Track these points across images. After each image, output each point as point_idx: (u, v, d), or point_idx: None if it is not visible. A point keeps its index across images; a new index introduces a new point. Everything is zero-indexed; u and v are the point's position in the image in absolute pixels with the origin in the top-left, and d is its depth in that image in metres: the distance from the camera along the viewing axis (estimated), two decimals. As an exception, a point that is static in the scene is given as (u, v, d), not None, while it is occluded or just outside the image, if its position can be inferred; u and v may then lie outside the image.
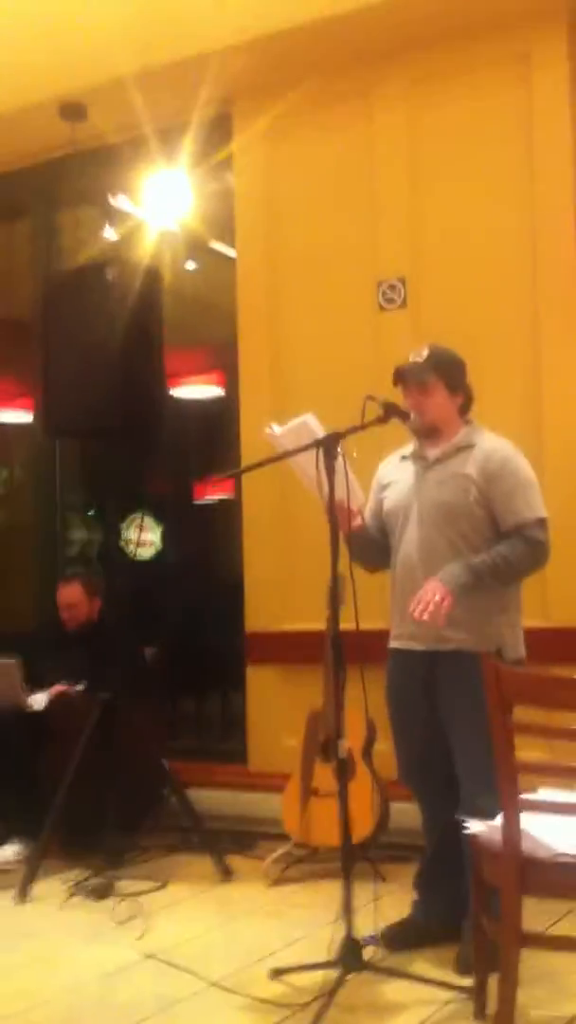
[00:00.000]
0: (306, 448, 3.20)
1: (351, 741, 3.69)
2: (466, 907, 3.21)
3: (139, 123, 5.11)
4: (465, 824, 2.84)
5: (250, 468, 3.58)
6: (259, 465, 3.42)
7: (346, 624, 3.19)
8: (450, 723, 3.31)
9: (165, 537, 5.82)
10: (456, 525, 3.31)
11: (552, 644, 3.97)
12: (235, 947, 3.47)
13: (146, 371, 5.54)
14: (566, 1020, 2.83)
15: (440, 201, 4.65)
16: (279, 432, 3.35)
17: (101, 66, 4.93)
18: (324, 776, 4.15)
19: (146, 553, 5.78)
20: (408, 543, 3.39)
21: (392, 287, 4.69)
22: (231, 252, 5.32)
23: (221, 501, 6.59)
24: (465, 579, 3.21)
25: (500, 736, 2.60)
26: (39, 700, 4.80)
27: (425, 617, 3.16)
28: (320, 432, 3.23)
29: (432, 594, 3.18)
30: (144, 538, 5.74)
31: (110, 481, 5.16)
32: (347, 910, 3.03)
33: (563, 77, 4.41)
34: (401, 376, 3.41)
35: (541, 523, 3.30)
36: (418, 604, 3.19)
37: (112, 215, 5.69)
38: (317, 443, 3.18)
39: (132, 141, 5.39)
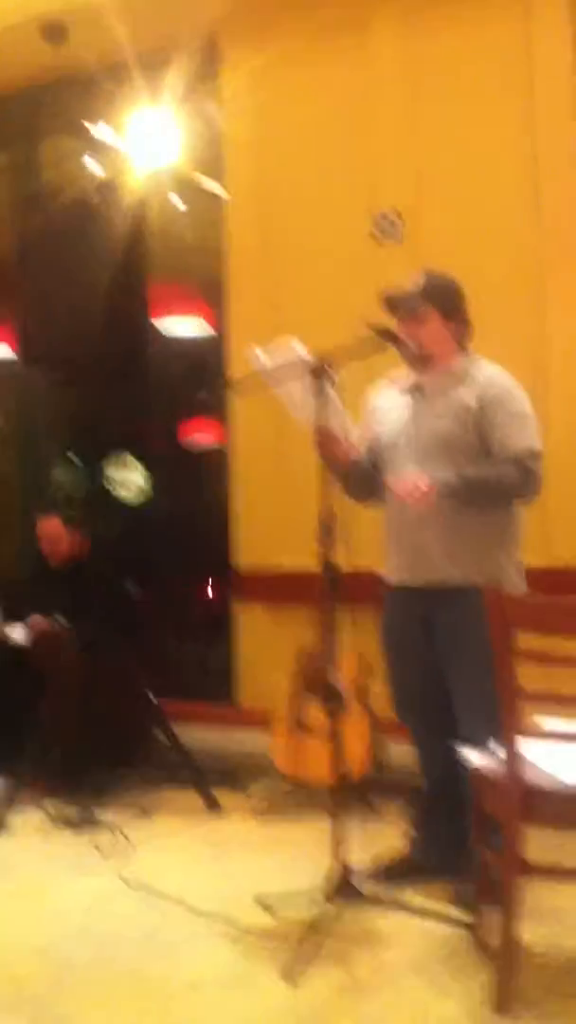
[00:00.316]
0: (298, 373, 3.09)
1: (344, 680, 3.63)
2: (464, 845, 3.17)
3: (122, 49, 4.93)
4: (463, 757, 2.79)
5: (240, 385, 3.47)
6: (246, 384, 3.31)
7: (340, 563, 3.10)
8: (448, 660, 3.24)
9: (151, 479, 5.72)
10: (453, 457, 3.21)
11: (554, 582, 3.90)
12: (224, 879, 3.43)
13: (130, 303, 5.45)
14: (571, 955, 2.79)
15: (438, 133, 4.51)
16: (264, 357, 3.24)
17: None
18: (315, 713, 4.10)
19: (131, 495, 5.68)
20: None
21: (389, 220, 4.56)
22: (219, 189, 5.18)
23: (209, 449, 6.50)
24: (451, 481, 3.11)
25: (503, 663, 2.54)
26: (17, 632, 4.75)
27: (409, 501, 3.08)
28: (306, 356, 3.13)
29: (416, 478, 3.09)
30: (128, 477, 5.64)
31: (95, 422, 5.08)
32: (339, 840, 2.97)
33: (562, 2, 4.27)
34: (391, 304, 3.29)
35: (535, 455, 3.20)
36: (403, 483, 3.11)
37: (95, 147, 5.53)
38: (309, 368, 3.07)
39: (116, 69, 5.21)
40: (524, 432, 3.21)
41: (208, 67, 5.07)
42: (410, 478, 3.10)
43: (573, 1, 4.28)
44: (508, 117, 4.37)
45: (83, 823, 3.96)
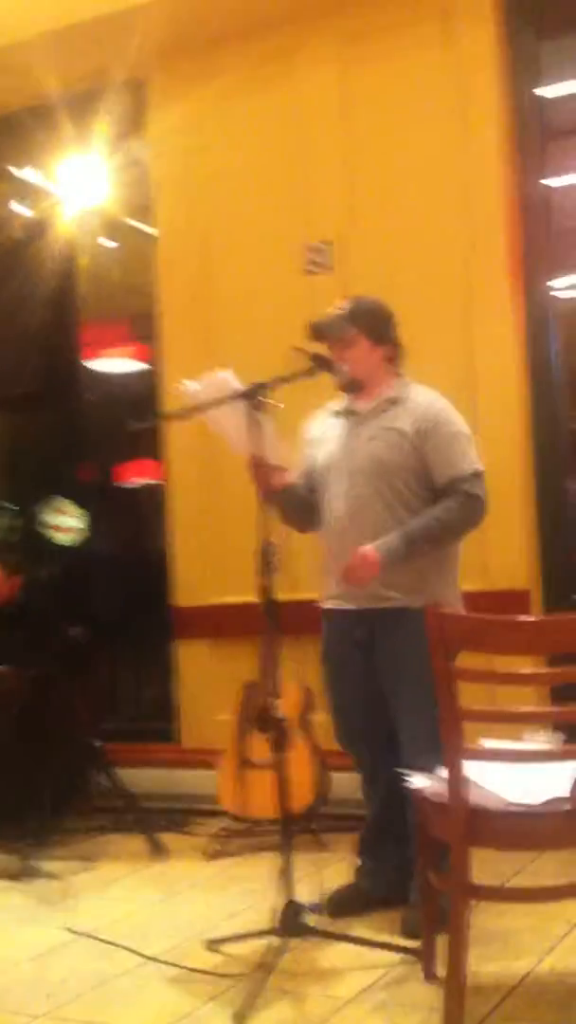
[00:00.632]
0: (230, 399, 3.07)
1: (288, 711, 3.58)
2: (411, 872, 3.14)
3: (48, 90, 4.94)
4: (408, 781, 2.75)
5: (173, 416, 3.46)
6: (182, 414, 3.29)
7: (281, 595, 3.07)
8: (389, 684, 3.22)
9: (88, 521, 5.67)
10: (388, 480, 3.21)
11: (492, 606, 3.88)
12: (172, 922, 3.35)
13: (62, 343, 5.43)
14: (518, 978, 2.75)
15: (370, 163, 4.55)
16: (194, 387, 3.22)
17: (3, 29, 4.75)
18: (260, 747, 4.04)
19: (68, 538, 5.62)
20: (338, 499, 3.29)
21: (319, 251, 4.58)
22: (149, 229, 5.18)
23: (146, 486, 6.46)
24: (398, 548, 3.12)
25: (443, 683, 2.51)
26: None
27: (351, 582, 3.10)
28: (237, 386, 3.11)
29: (361, 563, 3.09)
30: (62, 522, 5.58)
31: (28, 464, 5.03)
32: (287, 874, 2.92)
33: (489, 32, 4.35)
34: (317, 331, 3.29)
35: (477, 476, 3.22)
36: (348, 572, 3.11)
37: (23, 189, 5.53)
38: (242, 393, 3.05)
39: (42, 110, 5.21)
40: (463, 454, 3.21)
41: (135, 106, 5.09)
42: (355, 563, 3.10)
43: (501, 33, 4.37)
44: (439, 146, 4.42)
45: (24, 873, 3.85)
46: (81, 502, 5.18)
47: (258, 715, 4.09)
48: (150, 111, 5.04)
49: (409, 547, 3.13)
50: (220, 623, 4.72)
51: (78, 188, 5.39)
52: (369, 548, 3.11)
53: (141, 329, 5.46)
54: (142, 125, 5.09)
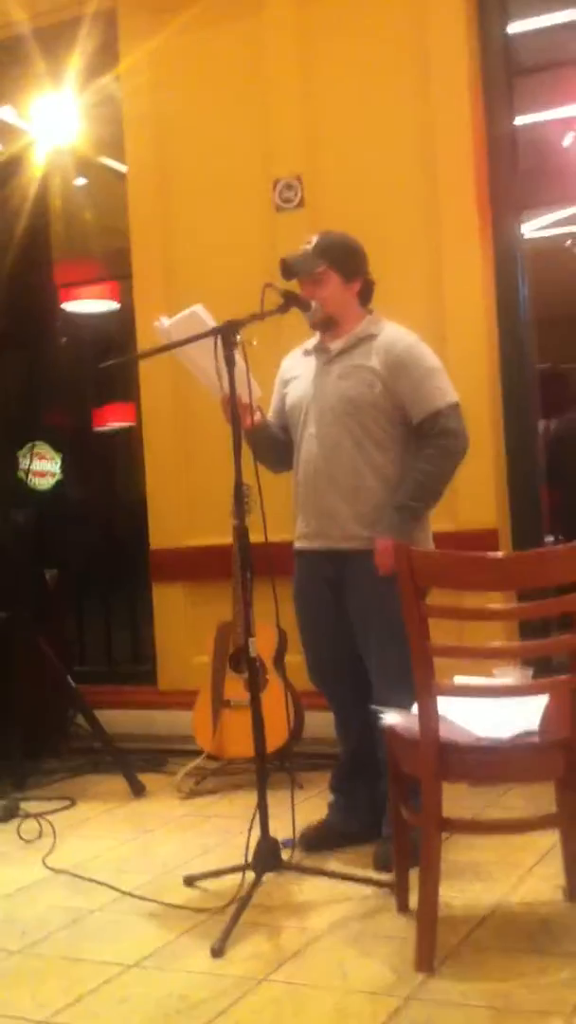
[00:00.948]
0: (203, 336, 3.05)
1: (262, 652, 3.60)
2: (383, 808, 3.18)
3: (18, 24, 4.83)
4: (380, 716, 2.78)
5: (145, 355, 3.43)
6: (153, 352, 3.26)
7: (255, 537, 3.07)
8: (360, 623, 3.23)
9: (65, 466, 5.64)
10: (359, 419, 3.20)
11: (460, 547, 3.91)
12: (149, 859, 3.39)
13: (35, 284, 5.35)
14: (488, 909, 2.80)
15: (335, 99, 4.49)
16: (168, 324, 3.19)
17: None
18: (235, 687, 4.07)
19: (45, 483, 5.60)
20: (310, 439, 3.27)
21: (289, 186, 4.53)
22: (121, 166, 5.10)
23: (121, 429, 6.43)
24: (398, 524, 3.11)
25: (413, 621, 2.53)
26: None
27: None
28: (210, 322, 3.09)
29: (383, 560, 3.06)
30: (39, 467, 5.55)
31: (5, 411, 4.99)
32: (261, 811, 2.95)
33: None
34: (288, 268, 3.25)
35: (454, 408, 3.20)
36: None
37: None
38: (215, 331, 3.03)
39: (12, 45, 5.10)
40: (438, 388, 3.19)
41: (107, 43, 4.99)
42: (382, 556, 3.07)
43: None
44: (405, 83, 4.36)
45: (5, 814, 3.87)
46: (57, 446, 5.16)
47: (233, 656, 4.12)
48: (121, 44, 4.93)
49: (403, 514, 3.12)
50: (196, 565, 4.72)
51: (50, 126, 5.29)
52: (379, 543, 3.09)
53: (115, 268, 5.40)
54: (114, 59, 4.99)
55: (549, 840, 3.10)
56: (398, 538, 2.96)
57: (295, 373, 3.39)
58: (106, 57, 5.00)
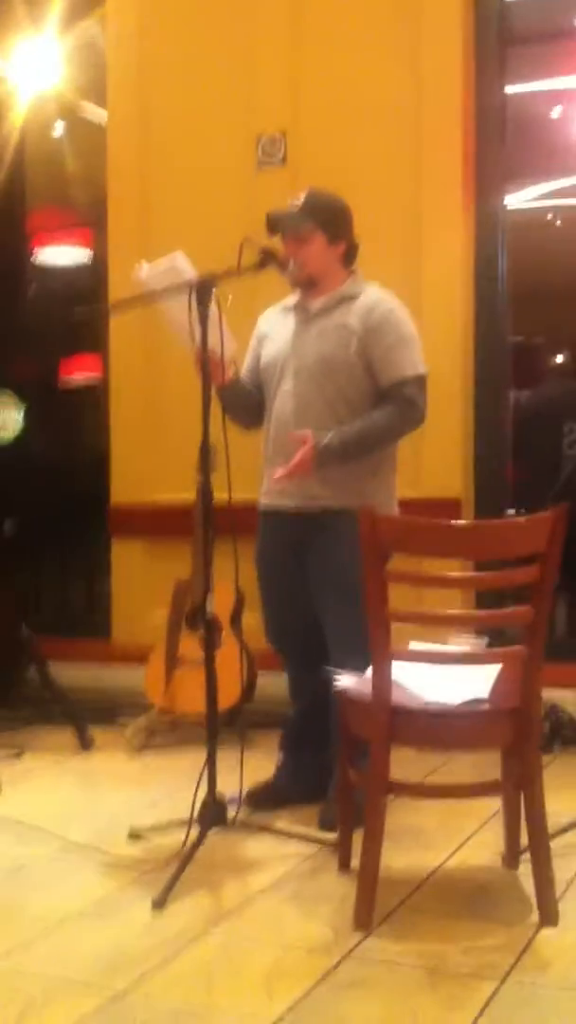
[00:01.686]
0: (178, 289, 3.01)
1: (219, 610, 3.59)
2: (330, 769, 3.19)
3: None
4: (334, 678, 2.78)
5: (119, 305, 3.39)
6: (128, 303, 3.22)
7: (218, 495, 3.04)
8: (320, 585, 3.23)
9: (28, 417, 5.59)
10: (334, 379, 3.19)
11: (422, 514, 3.89)
12: (95, 811, 3.39)
13: (8, 231, 5.27)
14: (428, 871, 2.83)
15: (323, 55, 4.45)
16: (146, 271, 3.15)
17: None
18: (190, 645, 4.07)
19: (6, 434, 5.55)
20: (283, 397, 3.26)
21: (272, 142, 4.48)
22: (101, 111, 5.02)
23: (88, 385, 6.36)
24: (333, 447, 3.09)
25: (373, 584, 2.53)
26: None
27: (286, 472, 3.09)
28: (190, 271, 3.05)
29: (298, 467, 3.08)
30: (1, 417, 5.50)
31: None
32: (210, 767, 2.95)
33: None
34: (273, 223, 3.22)
35: (419, 381, 3.20)
36: (284, 471, 3.09)
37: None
38: (190, 285, 2.99)
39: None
40: (408, 357, 3.19)
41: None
42: (293, 467, 3.07)
43: None
44: (394, 45, 4.33)
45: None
46: (21, 396, 5.10)
47: (189, 613, 4.11)
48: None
49: (343, 447, 3.11)
50: (157, 521, 4.70)
51: (31, 70, 5.19)
52: (308, 454, 3.08)
53: (90, 218, 5.32)
54: (98, 10, 4.90)
55: (491, 807, 3.14)
56: (319, 458, 3.05)
57: (272, 330, 3.37)
58: (91, 4, 4.90)
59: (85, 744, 4.12)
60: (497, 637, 2.94)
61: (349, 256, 3.29)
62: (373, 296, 3.23)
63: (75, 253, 5.78)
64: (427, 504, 4.08)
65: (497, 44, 4.34)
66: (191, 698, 3.95)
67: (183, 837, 2.89)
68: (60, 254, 5.75)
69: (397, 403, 3.17)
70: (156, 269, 3.13)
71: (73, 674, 4.67)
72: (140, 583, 4.78)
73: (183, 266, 3.07)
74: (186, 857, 2.79)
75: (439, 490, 4.19)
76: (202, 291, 2.97)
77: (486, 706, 2.56)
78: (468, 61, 4.29)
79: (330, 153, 4.38)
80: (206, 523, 3.03)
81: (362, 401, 3.19)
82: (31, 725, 4.41)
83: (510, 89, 4.40)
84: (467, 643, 2.75)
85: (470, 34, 4.30)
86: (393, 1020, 2.11)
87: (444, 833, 3.07)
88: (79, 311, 3.21)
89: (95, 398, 5.44)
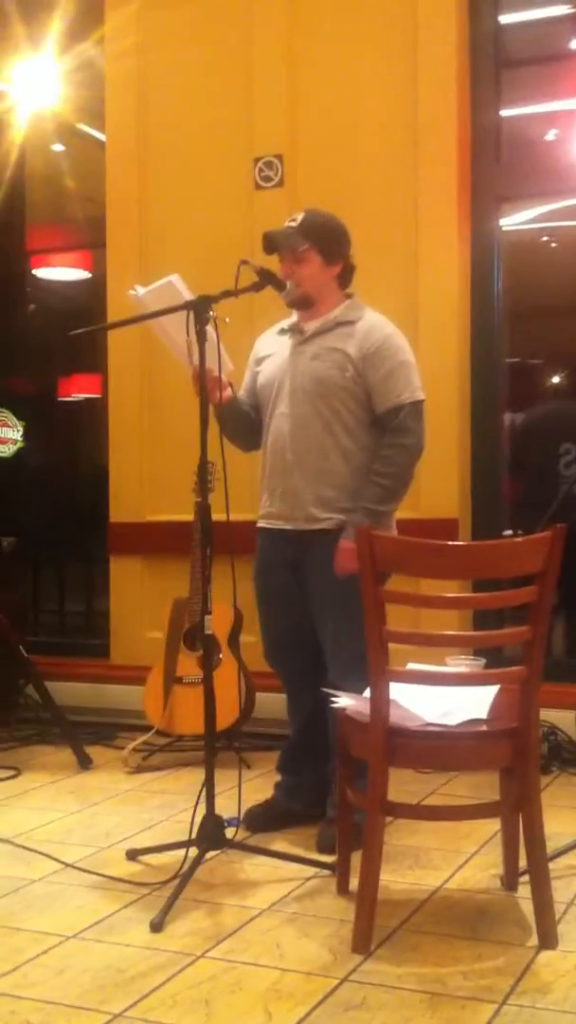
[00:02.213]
0: (176, 309, 3.02)
1: (217, 630, 3.60)
2: (328, 790, 3.19)
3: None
4: (332, 699, 2.78)
5: (117, 324, 3.41)
6: (126, 322, 3.24)
7: (216, 515, 3.04)
8: (318, 605, 3.23)
9: (27, 434, 5.62)
10: (329, 401, 3.20)
11: (420, 535, 3.91)
12: (93, 831, 3.38)
13: (7, 250, 5.29)
14: (427, 893, 2.82)
15: (320, 77, 4.46)
16: (143, 293, 3.17)
17: None
18: (188, 664, 4.07)
19: (6, 450, 5.57)
20: (280, 418, 3.27)
21: (269, 164, 4.51)
22: (101, 135, 5.05)
23: (87, 400, 6.38)
24: (364, 522, 3.03)
25: (371, 604, 2.53)
26: None
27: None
28: (187, 294, 3.07)
29: (347, 559, 3.01)
30: (1, 433, 5.51)
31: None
32: (208, 787, 2.94)
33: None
34: (270, 242, 3.23)
35: (417, 406, 3.21)
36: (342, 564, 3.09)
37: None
38: (188, 305, 3.00)
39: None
40: (406, 383, 3.19)
41: (90, 7, 4.93)
42: (343, 558, 3.06)
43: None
44: (390, 68, 4.35)
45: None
46: (20, 413, 5.11)
47: (187, 632, 4.11)
48: (107, 9, 4.87)
49: (370, 519, 3.08)
50: (155, 540, 4.71)
51: (31, 89, 5.22)
52: (344, 544, 3.08)
53: (90, 236, 5.35)
54: (97, 24, 4.93)
55: (490, 829, 3.14)
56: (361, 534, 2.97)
57: (269, 352, 3.38)
58: (89, 21, 4.94)
59: (83, 764, 4.11)
60: (495, 657, 2.94)
61: (345, 277, 3.31)
62: (370, 321, 3.24)
63: (74, 272, 5.80)
64: (425, 524, 4.09)
65: (492, 67, 4.37)
66: (189, 718, 3.96)
67: (181, 858, 2.88)
68: (59, 272, 5.77)
69: (393, 435, 3.16)
70: (151, 290, 3.15)
71: (72, 693, 4.68)
72: (139, 601, 4.77)
73: (179, 286, 3.09)
74: (184, 878, 2.79)
75: (436, 510, 4.19)
76: (198, 311, 2.98)
77: (484, 727, 2.56)
78: (463, 83, 4.32)
79: (327, 174, 4.40)
80: (204, 542, 3.04)
81: (359, 426, 3.19)
82: (29, 744, 4.40)
83: (505, 112, 4.43)
84: (465, 663, 2.75)
85: (465, 57, 4.32)
86: (392, 1043, 2.10)
87: (443, 855, 3.07)
88: (77, 332, 3.21)
89: (94, 415, 5.45)
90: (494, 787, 2.81)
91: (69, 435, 6.34)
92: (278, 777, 3.44)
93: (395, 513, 3.30)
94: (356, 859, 2.67)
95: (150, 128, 4.81)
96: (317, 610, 3.23)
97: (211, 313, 2.99)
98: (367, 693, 2.59)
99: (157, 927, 2.62)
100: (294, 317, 3.34)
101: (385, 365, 3.18)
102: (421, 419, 3.22)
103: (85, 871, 3.00)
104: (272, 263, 3.24)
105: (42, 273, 5.66)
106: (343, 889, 2.82)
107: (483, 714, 2.59)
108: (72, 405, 6.33)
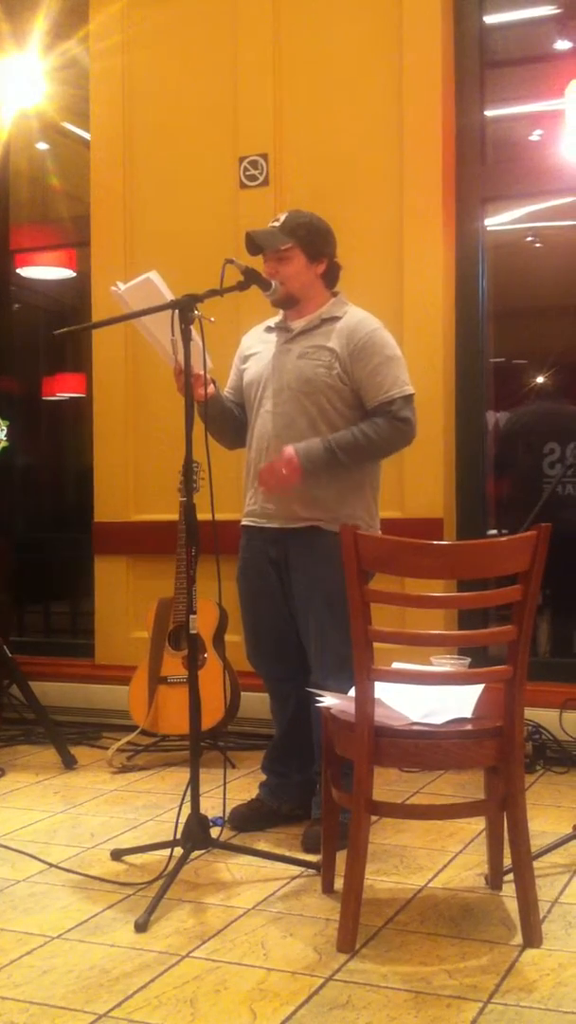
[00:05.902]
0: (162, 308, 3.02)
1: (202, 630, 3.59)
2: (313, 789, 3.19)
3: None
4: (317, 699, 2.78)
5: (101, 324, 3.42)
6: (110, 322, 3.24)
7: (202, 515, 3.04)
8: (302, 605, 3.23)
9: (12, 433, 5.60)
10: (315, 399, 3.20)
11: (405, 535, 3.92)
12: (77, 832, 3.37)
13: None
14: (412, 892, 2.82)
15: (305, 76, 4.46)
16: (123, 289, 3.16)
17: None
18: (173, 664, 4.06)
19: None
20: (265, 416, 3.26)
21: (254, 163, 4.50)
22: (86, 133, 5.04)
23: (71, 398, 6.36)
24: (321, 456, 3.10)
25: (356, 604, 2.53)
26: None
27: (267, 488, 3.09)
28: (165, 290, 3.07)
29: (282, 466, 3.08)
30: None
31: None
32: (193, 787, 2.94)
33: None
34: (253, 242, 3.23)
35: (407, 399, 3.21)
36: (267, 473, 3.09)
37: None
38: (173, 304, 3.00)
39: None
40: (394, 377, 3.19)
41: (76, 6, 4.92)
42: (277, 465, 3.08)
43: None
44: (376, 65, 4.34)
45: None
46: (4, 412, 5.09)
47: (172, 632, 4.10)
48: (91, 13, 4.86)
49: (330, 455, 3.10)
50: (140, 540, 4.70)
51: (14, 88, 5.20)
52: (290, 449, 3.10)
53: (74, 235, 5.33)
54: (82, 21, 4.92)
55: (475, 828, 3.15)
56: (305, 464, 3.07)
57: (254, 350, 3.38)
58: (74, 19, 4.93)
59: (68, 764, 4.10)
60: (480, 656, 2.95)
61: (330, 276, 3.31)
62: (356, 317, 3.25)
63: (58, 271, 5.78)
64: (410, 524, 4.10)
65: (477, 67, 4.38)
66: (174, 718, 3.96)
67: (166, 858, 2.88)
68: (43, 272, 5.75)
69: (386, 418, 3.18)
70: (131, 287, 3.14)
71: (57, 693, 4.67)
72: (123, 601, 4.77)
73: (158, 283, 3.09)
74: (169, 878, 2.78)
75: (421, 510, 4.20)
76: (183, 311, 2.98)
77: (469, 726, 2.57)
78: (448, 84, 4.32)
79: (312, 174, 4.40)
80: (190, 542, 3.03)
81: (345, 423, 3.19)
82: (13, 744, 4.39)
83: (490, 112, 4.44)
84: (450, 663, 2.76)
85: (450, 57, 4.33)
86: (377, 1042, 2.11)
87: (428, 854, 3.07)
88: (61, 332, 3.20)
89: (79, 414, 5.43)
90: (479, 786, 2.82)
91: (54, 435, 6.31)
92: (263, 776, 3.44)
93: (378, 510, 3.30)
94: (341, 858, 2.67)
95: (135, 127, 4.80)
96: (301, 609, 3.23)
97: (196, 312, 2.98)
98: (352, 692, 2.59)
99: (142, 927, 2.62)
100: (281, 315, 3.34)
101: (373, 360, 3.18)
102: (413, 411, 3.22)
103: (70, 871, 3.00)
104: (259, 263, 3.25)
105: (26, 272, 5.64)
106: (328, 888, 2.82)
107: (468, 713, 2.59)
108: (57, 404, 6.31)
